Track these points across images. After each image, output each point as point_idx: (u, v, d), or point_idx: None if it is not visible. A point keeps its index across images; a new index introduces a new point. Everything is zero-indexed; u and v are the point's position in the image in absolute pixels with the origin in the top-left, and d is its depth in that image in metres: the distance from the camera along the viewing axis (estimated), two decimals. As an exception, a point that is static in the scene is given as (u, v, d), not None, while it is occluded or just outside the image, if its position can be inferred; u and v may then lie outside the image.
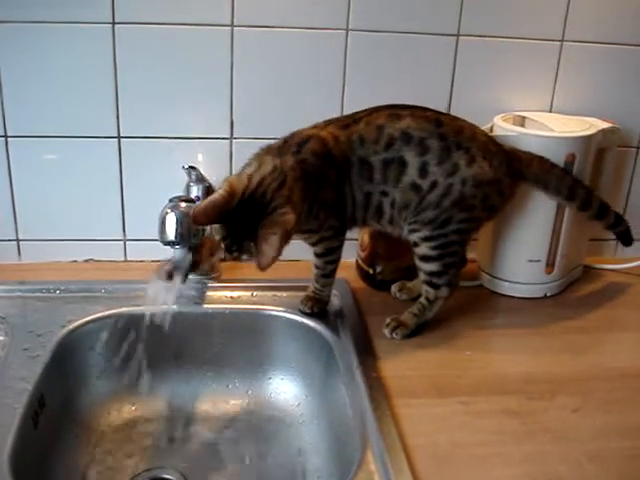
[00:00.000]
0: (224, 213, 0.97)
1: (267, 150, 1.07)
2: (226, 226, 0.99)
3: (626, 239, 1.30)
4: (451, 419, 0.97)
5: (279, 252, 0.96)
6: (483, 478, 0.87)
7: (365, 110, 1.11)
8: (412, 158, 1.07)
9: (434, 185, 1.08)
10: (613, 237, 1.41)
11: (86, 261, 1.36)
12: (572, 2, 1.28)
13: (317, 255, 1.17)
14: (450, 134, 1.08)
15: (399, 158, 1.08)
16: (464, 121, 1.13)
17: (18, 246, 1.33)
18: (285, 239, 0.97)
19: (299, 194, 1.02)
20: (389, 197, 1.10)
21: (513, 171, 1.15)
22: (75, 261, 1.35)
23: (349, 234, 1.18)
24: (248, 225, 0.98)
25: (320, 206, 1.08)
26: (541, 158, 1.18)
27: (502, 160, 1.12)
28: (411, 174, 1.08)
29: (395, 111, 1.10)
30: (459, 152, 1.08)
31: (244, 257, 1.01)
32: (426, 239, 1.11)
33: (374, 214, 1.12)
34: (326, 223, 1.11)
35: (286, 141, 1.08)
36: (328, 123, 1.11)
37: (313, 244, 1.16)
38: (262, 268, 0.97)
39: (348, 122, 1.10)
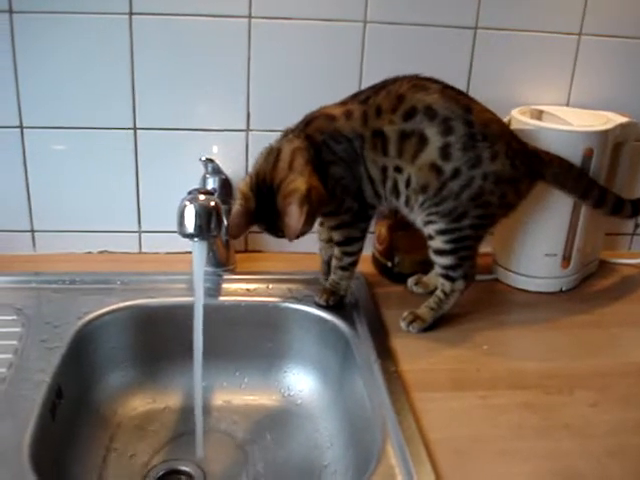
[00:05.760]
0: (251, 216, 1.05)
1: (280, 135, 1.11)
2: (261, 223, 1.06)
3: None
4: (470, 413, 0.97)
5: (303, 220, 0.99)
6: (503, 473, 0.87)
7: (390, 79, 1.10)
8: (434, 136, 1.05)
9: (457, 173, 1.06)
10: (629, 231, 1.42)
11: (101, 252, 1.36)
12: (590, -5, 1.28)
13: (337, 243, 1.17)
14: (477, 124, 1.06)
15: (419, 133, 1.06)
16: (494, 114, 1.11)
17: (33, 237, 1.33)
18: (305, 205, 0.99)
19: (303, 161, 1.04)
20: (403, 174, 1.08)
21: (533, 171, 1.14)
22: (90, 252, 1.35)
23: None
24: (274, 212, 1.03)
25: (334, 183, 1.08)
26: (561, 159, 1.18)
27: (524, 160, 1.11)
28: (431, 153, 1.06)
29: (422, 82, 1.08)
30: (484, 143, 1.06)
31: None
32: (441, 232, 1.10)
33: (391, 193, 1.11)
34: (344, 204, 1.11)
35: (297, 123, 1.11)
36: (353, 96, 1.11)
37: (333, 229, 1.16)
38: (290, 239, 1.02)
39: (370, 94, 1.09)
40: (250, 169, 1.10)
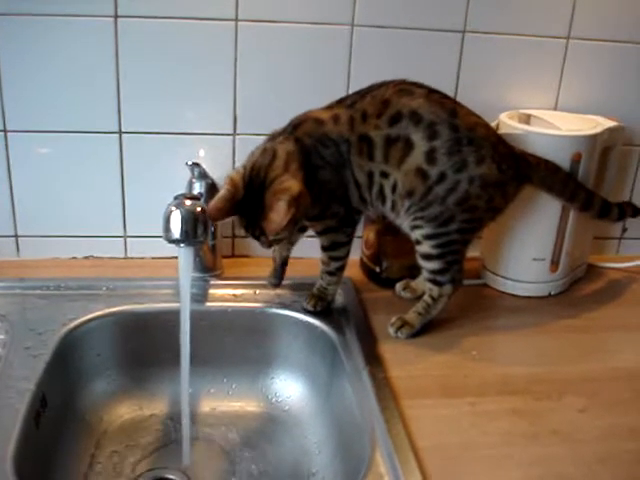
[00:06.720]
0: (235, 205, 1.01)
1: (266, 139, 1.10)
2: (242, 216, 1.03)
3: (636, 214, 1.30)
4: (459, 420, 0.97)
5: (287, 220, 0.97)
6: (494, 480, 0.87)
7: (376, 84, 1.09)
8: (420, 140, 1.05)
9: (442, 177, 1.05)
10: (617, 235, 1.42)
11: (86, 258, 1.34)
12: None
13: (323, 248, 1.16)
14: (463, 128, 1.06)
15: (405, 138, 1.05)
16: (480, 118, 1.10)
17: (17, 242, 1.31)
18: (293, 207, 0.97)
19: (297, 166, 1.03)
20: (390, 179, 1.08)
21: (520, 175, 1.13)
22: (75, 258, 1.34)
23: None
24: (259, 208, 1.01)
25: (321, 187, 1.07)
26: (547, 162, 1.17)
27: (511, 164, 1.10)
28: (417, 157, 1.05)
29: (408, 87, 1.08)
30: (470, 148, 1.05)
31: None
32: (428, 237, 1.10)
33: (377, 198, 1.11)
34: (329, 209, 1.10)
35: (285, 127, 1.09)
36: (339, 101, 1.11)
37: (319, 233, 1.15)
38: (268, 234, 1.01)
39: (356, 99, 1.09)
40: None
